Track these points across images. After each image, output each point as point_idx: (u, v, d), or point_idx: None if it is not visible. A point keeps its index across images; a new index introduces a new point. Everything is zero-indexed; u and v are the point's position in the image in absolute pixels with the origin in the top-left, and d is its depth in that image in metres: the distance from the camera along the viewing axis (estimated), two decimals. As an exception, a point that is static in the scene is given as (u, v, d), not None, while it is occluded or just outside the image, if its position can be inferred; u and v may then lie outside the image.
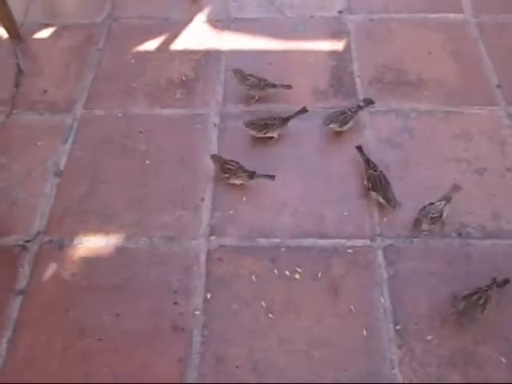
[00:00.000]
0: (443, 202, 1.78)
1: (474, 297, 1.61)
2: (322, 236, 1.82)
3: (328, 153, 2.07)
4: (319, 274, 1.73)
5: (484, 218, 1.87)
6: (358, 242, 1.81)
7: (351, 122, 2.07)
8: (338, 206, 1.89)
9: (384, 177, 1.87)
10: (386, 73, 2.33)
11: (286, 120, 2.06)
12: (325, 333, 1.61)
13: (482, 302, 1.60)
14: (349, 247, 1.79)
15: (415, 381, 1.53)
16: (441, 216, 1.74)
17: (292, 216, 1.87)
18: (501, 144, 2.09)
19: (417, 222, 1.72)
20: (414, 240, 1.82)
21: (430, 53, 2.40)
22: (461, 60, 2.36)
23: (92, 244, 1.81)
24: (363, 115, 2.18)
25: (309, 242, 1.81)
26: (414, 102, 2.21)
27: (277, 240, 1.81)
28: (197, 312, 1.66)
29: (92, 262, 1.76)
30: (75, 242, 1.81)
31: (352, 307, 1.66)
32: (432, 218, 1.72)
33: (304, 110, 2.09)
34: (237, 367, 1.55)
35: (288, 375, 1.54)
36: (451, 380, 1.52)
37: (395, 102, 2.22)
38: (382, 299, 1.68)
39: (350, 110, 2.07)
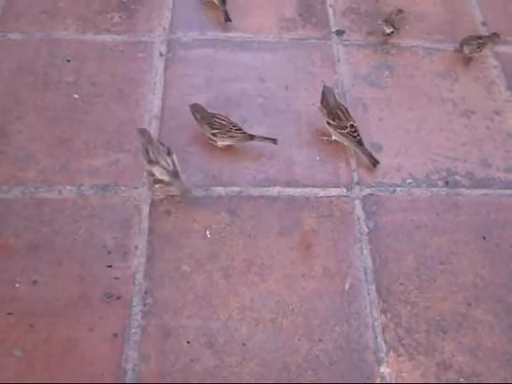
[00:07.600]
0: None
1: None
2: (290, 184, 1.61)
3: (296, 88, 1.83)
4: (288, 229, 1.51)
5: (472, 165, 1.71)
6: (333, 191, 1.60)
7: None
8: (308, 149, 1.68)
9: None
10: (362, 3, 2.15)
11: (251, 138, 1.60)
12: (295, 298, 1.41)
13: None
14: (322, 197, 1.59)
15: (401, 350, 1.35)
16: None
17: (254, 160, 1.64)
18: (488, 85, 1.93)
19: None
20: (398, 189, 1.65)
21: (409, -16, 2.21)
22: (443, -7, 2.23)
23: (2, 194, 1.52)
24: (336, 48, 1.93)
25: (275, 190, 1.59)
26: (395, 36, 2.01)
27: (236, 189, 1.59)
28: (137, 276, 1.41)
29: (2, 217, 1.48)
30: (-20, 192, 1.53)
31: (327, 267, 1.46)
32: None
33: (274, 141, 1.61)
34: (188, 342, 1.32)
35: (252, 350, 1.32)
36: (442, 347, 1.36)
37: (373, 36, 2.02)
38: (362, 257, 1.48)
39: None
